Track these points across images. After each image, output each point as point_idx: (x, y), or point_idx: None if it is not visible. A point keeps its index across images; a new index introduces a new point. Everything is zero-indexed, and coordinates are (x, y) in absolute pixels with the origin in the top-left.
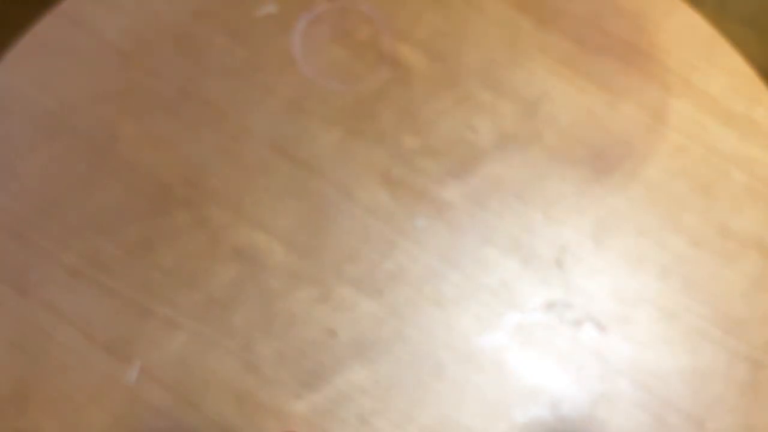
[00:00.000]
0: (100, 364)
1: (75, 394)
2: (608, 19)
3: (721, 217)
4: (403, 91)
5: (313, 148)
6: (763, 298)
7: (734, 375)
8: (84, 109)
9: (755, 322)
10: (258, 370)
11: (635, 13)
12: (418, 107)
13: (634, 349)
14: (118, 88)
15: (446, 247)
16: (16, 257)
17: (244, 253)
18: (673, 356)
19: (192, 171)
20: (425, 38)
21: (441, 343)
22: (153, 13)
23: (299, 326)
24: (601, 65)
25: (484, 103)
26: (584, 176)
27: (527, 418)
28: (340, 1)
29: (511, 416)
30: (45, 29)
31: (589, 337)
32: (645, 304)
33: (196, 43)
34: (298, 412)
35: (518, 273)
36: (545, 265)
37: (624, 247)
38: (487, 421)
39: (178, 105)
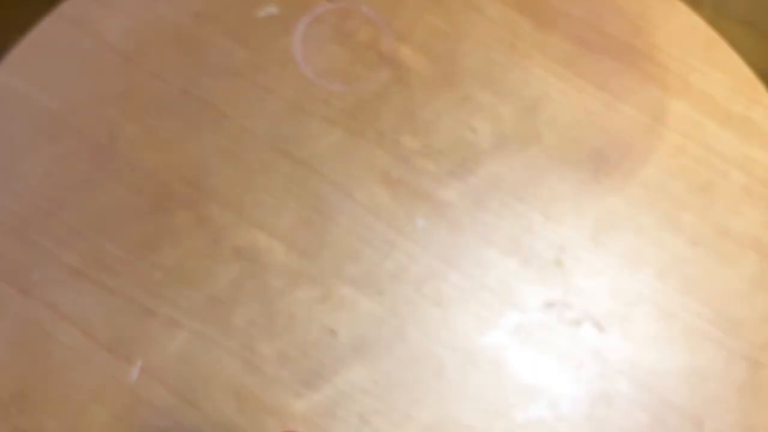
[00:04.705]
0: (101, 363)
1: (76, 394)
2: (607, 20)
3: (720, 217)
4: (403, 91)
5: (313, 148)
6: (761, 298)
7: (733, 374)
8: (85, 110)
9: (754, 321)
10: (258, 369)
11: (634, 14)
12: (418, 108)
13: (633, 349)
14: (119, 89)
15: (446, 247)
16: (17, 257)
17: (245, 252)
18: (672, 356)
19: (193, 171)
20: (425, 39)
21: (441, 342)
22: (154, 14)
23: (299, 326)
24: (600, 66)
25: (483, 104)
26: (583, 176)
27: (527, 418)
28: (341, 2)
29: (511, 415)
30: (46, 30)
31: (588, 336)
32: (644, 303)
33: (197, 43)
34: (298, 412)
35: (518, 273)
36: (545, 265)
37: (623, 247)
38: (487, 420)
39: (179, 105)
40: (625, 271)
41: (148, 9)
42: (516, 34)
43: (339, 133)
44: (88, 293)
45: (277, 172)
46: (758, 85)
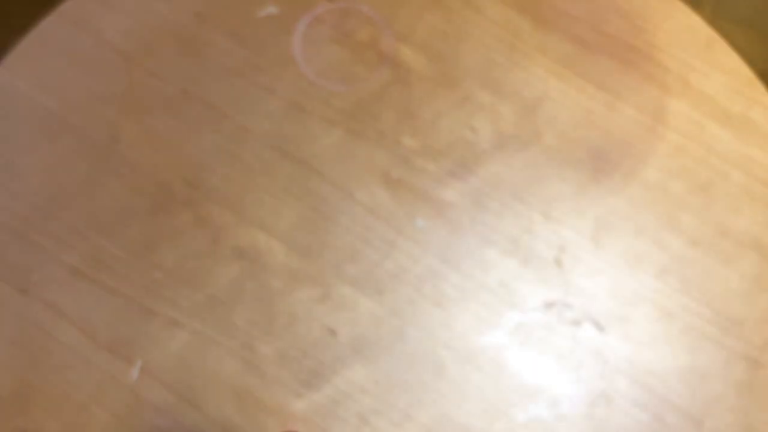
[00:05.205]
0: (102, 363)
1: (76, 394)
2: (607, 19)
3: (720, 217)
4: (403, 91)
5: (313, 148)
6: (761, 298)
7: (732, 374)
8: (85, 110)
9: (753, 321)
10: (258, 369)
11: (634, 14)
12: (418, 108)
13: (632, 349)
14: (119, 89)
15: (446, 247)
16: (17, 257)
17: (245, 252)
18: (672, 355)
19: (193, 171)
20: (425, 39)
21: (441, 342)
22: (154, 14)
23: (299, 326)
24: (600, 66)
25: (483, 104)
26: (583, 176)
27: (526, 417)
28: (341, 2)
29: (511, 415)
30: (46, 30)
31: (588, 336)
32: (644, 303)
33: (197, 43)
34: (298, 411)
35: (518, 273)
36: (544, 265)
37: (623, 247)
38: (487, 420)
39: (178, 105)
40: (625, 271)
41: (148, 9)
42: (516, 34)
43: (339, 133)
44: (88, 293)
45: (277, 172)
46: (758, 85)
